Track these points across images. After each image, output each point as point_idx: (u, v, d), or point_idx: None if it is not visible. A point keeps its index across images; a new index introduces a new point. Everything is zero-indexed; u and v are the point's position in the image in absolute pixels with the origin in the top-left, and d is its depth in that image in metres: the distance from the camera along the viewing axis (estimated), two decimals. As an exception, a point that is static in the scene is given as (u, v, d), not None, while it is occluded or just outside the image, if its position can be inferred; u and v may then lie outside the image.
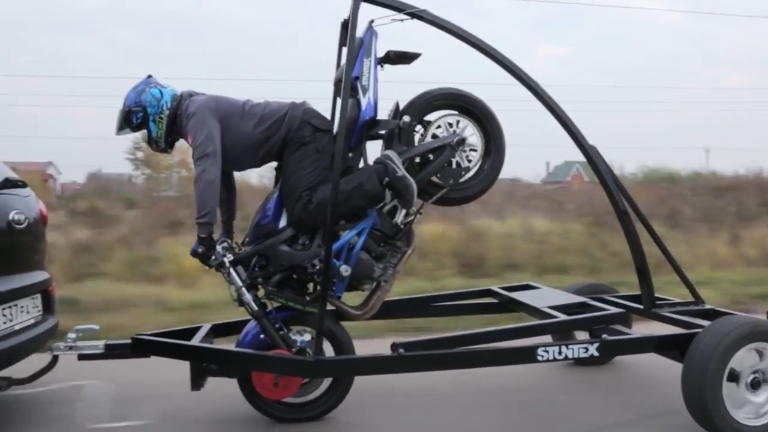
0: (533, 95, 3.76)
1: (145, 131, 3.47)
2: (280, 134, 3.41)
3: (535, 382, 4.15)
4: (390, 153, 3.42)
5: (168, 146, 3.50)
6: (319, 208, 3.28)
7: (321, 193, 3.30)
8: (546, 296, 4.01)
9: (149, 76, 3.50)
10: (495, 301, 4.30)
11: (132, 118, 3.40)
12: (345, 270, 3.32)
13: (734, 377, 3.15)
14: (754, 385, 3.19)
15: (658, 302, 3.98)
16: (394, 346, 3.16)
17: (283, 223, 3.43)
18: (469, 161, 3.63)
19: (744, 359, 3.16)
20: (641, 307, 3.96)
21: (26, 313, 3.44)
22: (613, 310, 3.54)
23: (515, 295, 4.09)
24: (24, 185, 3.73)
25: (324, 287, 3.16)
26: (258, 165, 3.57)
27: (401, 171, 3.33)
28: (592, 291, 4.48)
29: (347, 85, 3.21)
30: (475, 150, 3.66)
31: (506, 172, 3.89)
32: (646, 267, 3.85)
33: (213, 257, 3.31)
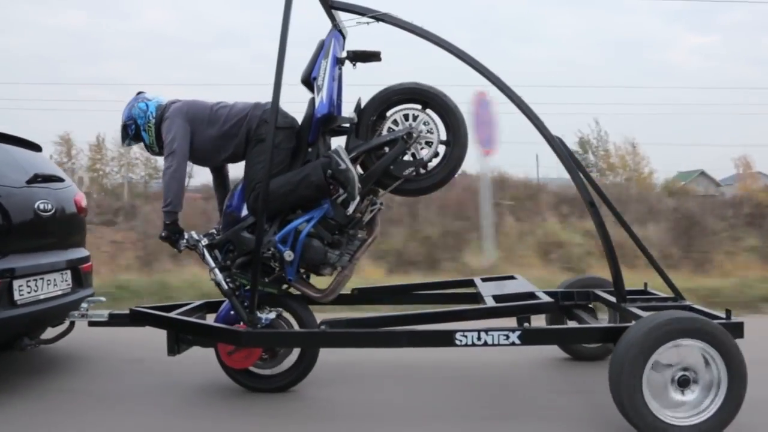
0: (496, 87, 3.80)
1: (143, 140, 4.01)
2: (243, 133, 3.80)
3: (528, 375, 4.21)
4: (337, 147, 3.69)
5: (161, 150, 3.91)
6: (268, 198, 3.61)
7: (271, 186, 3.61)
8: (507, 287, 4.04)
9: (139, 92, 4.03)
10: (474, 291, 4.37)
11: (128, 130, 3.93)
12: (288, 255, 3.63)
13: (660, 373, 3.05)
14: (682, 384, 3.05)
15: (633, 296, 3.86)
16: (320, 323, 3.45)
17: (245, 212, 3.82)
18: (426, 154, 3.79)
19: (673, 355, 3.05)
20: (614, 300, 3.87)
21: (53, 285, 4.14)
22: (544, 299, 3.52)
23: (485, 284, 4.16)
24: (60, 180, 4.47)
25: (255, 270, 3.46)
26: (228, 161, 3.99)
27: (344, 164, 3.57)
28: (585, 285, 4.45)
29: (278, 85, 3.47)
30: (430, 143, 3.80)
31: None
32: (616, 259, 3.76)
33: (183, 241, 3.78)
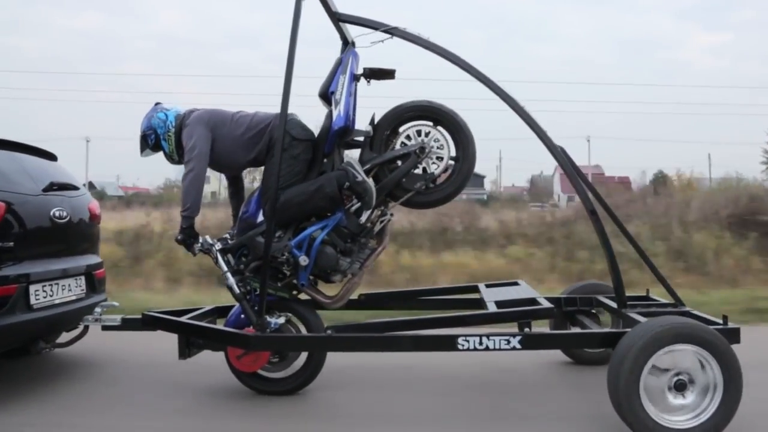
0: (501, 99, 3.89)
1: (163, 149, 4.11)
2: (264, 141, 3.92)
3: (532, 379, 4.29)
4: (351, 160, 3.83)
5: (181, 158, 4.02)
6: (284, 206, 3.73)
7: (287, 194, 3.74)
8: (510, 293, 4.12)
9: (157, 103, 4.14)
10: (479, 296, 4.45)
11: (147, 140, 4.03)
12: (303, 260, 3.75)
13: (657, 377, 3.12)
14: (679, 387, 3.12)
15: (635, 302, 3.94)
16: (326, 328, 3.55)
17: (261, 218, 3.93)
18: (436, 168, 3.91)
19: (669, 360, 3.12)
20: (615, 306, 3.94)
21: (68, 290, 4.25)
22: (545, 305, 3.60)
23: (488, 290, 4.25)
24: (75, 188, 4.60)
25: (264, 273, 3.58)
26: (248, 167, 4.12)
27: (361, 176, 3.71)
28: (588, 291, 4.53)
29: (286, 98, 3.58)
30: (441, 158, 3.92)
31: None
32: (616, 266, 3.82)
33: (197, 245, 3.89)
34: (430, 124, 3.98)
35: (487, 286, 4.50)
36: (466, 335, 3.34)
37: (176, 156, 4.04)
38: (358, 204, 3.82)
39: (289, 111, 3.98)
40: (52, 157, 4.72)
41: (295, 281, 3.93)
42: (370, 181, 3.77)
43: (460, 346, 3.34)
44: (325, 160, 3.96)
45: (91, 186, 34.87)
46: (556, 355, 4.59)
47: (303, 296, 4.03)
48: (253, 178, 18.06)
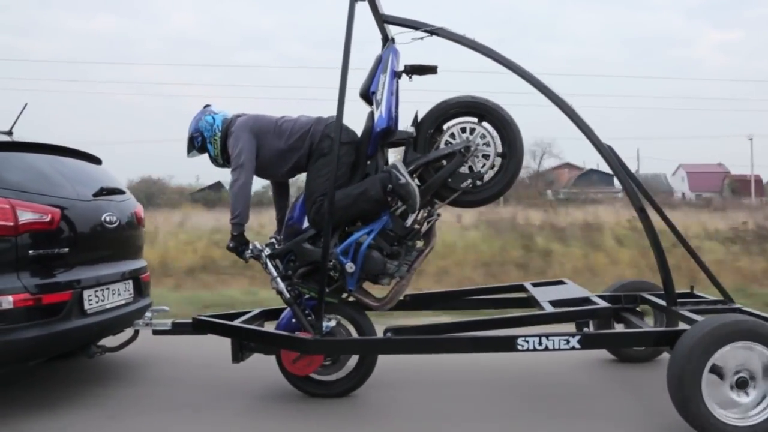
0: (547, 98, 3.91)
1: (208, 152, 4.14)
2: (306, 146, 3.94)
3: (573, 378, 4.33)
4: (396, 162, 3.82)
5: (225, 162, 4.07)
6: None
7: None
8: (560, 292, 4.14)
9: (206, 106, 4.18)
10: (525, 295, 4.48)
11: (194, 142, 4.09)
12: (350, 267, 3.75)
13: (719, 375, 3.15)
14: (740, 385, 3.14)
15: (684, 300, 3.96)
16: (385, 330, 3.57)
17: (306, 223, 3.95)
18: (482, 166, 3.90)
19: (730, 358, 3.14)
20: (664, 304, 3.96)
21: (117, 295, 4.29)
22: (602, 305, 3.63)
23: (537, 289, 4.27)
24: (122, 192, 4.64)
25: (321, 279, 3.61)
26: (291, 174, 4.13)
27: (404, 178, 3.70)
28: (632, 289, 4.53)
29: (342, 97, 3.60)
30: (487, 156, 3.91)
31: None
32: (666, 263, 3.85)
33: (248, 252, 3.92)
34: (475, 120, 3.94)
35: (534, 285, 4.52)
36: (525, 336, 3.36)
37: (220, 160, 4.08)
38: (404, 206, 3.81)
39: (327, 114, 4.01)
40: (96, 160, 4.75)
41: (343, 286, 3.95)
42: (414, 183, 3.75)
43: (519, 347, 3.36)
44: (368, 162, 3.95)
45: (220, 186, 34.73)
46: (596, 353, 4.62)
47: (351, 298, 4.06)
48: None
